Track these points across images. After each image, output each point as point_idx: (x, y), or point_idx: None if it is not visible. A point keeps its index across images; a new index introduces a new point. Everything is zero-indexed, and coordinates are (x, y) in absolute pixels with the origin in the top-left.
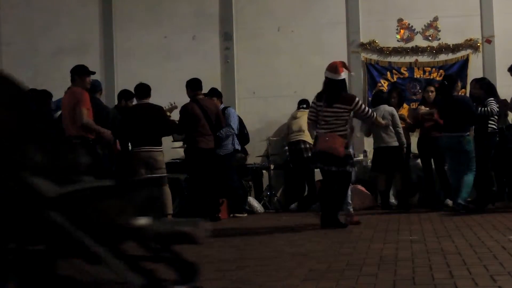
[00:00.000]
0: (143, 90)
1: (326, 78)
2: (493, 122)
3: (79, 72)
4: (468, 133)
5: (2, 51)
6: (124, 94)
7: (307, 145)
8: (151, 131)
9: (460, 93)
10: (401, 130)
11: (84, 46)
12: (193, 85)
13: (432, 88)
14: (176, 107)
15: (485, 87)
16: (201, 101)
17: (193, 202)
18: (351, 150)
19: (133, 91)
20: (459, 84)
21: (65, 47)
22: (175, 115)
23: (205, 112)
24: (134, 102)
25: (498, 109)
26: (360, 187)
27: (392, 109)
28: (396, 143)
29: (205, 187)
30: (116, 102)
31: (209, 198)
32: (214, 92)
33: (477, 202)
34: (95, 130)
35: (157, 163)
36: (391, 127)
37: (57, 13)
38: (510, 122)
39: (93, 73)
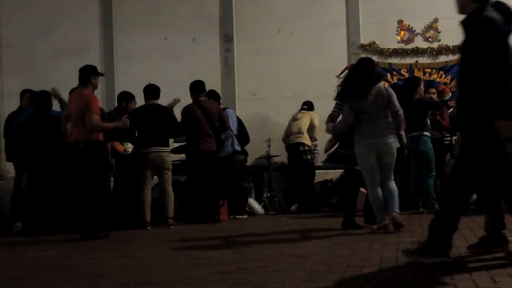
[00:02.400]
0: (152, 90)
1: None
2: None
3: (95, 72)
4: (424, 132)
5: (2, 53)
6: (124, 96)
7: (306, 148)
8: (159, 131)
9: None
10: (402, 132)
11: (84, 48)
12: (195, 87)
13: (433, 90)
14: (179, 101)
15: None
16: (202, 103)
17: (193, 204)
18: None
19: (132, 93)
20: (422, 87)
21: (65, 49)
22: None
23: (207, 114)
24: (134, 103)
25: None
26: (360, 188)
27: None
28: (397, 145)
29: (206, 189)
30: (116, 104)
31: (209, 199)
32: (212, 95)
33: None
34: (106, 129)
35: (165, 164)
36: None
37: (57, 15)
38: None
39: (102, 74)
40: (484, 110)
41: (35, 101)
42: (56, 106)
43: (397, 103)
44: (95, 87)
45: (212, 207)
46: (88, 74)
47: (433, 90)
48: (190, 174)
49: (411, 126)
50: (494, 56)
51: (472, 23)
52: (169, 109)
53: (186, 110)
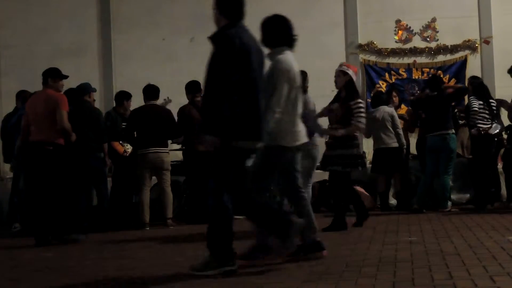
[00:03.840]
0: (152, 91)
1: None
2: (480, 121)
3: (53, 75)
4: (452, 129)
5: (1, 54)
6: (125, 95)
7: None
8: (158, 132)
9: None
10: (401, 131)
11: (82, 48)
12: (191, 88)
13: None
14: (170, 101)
15: (475, 84)
16: (198, 103)
17: (192, 204)
18: None
19: (130, 92)
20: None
21: (63, 50)
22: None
23: None
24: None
25: (479, 107)
26: (359, 188)
27: (392, 110)
28: (396, 144)
29: (204, 189)
30: (114, 104)
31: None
32: None
33: (476, 203)
34: (70, 134)
35: (164, 165)
36: (390, 128)
37: (55, 16)
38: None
39: (66, 77)
40: (212, 122)
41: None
42: None
43: None
44: (56, 90)
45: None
46: (45, 77)
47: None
48: (188, 174)
49: (437, 123)
50: (225, 72)
51: (216, 38)
52: (168, 110)
53: (182, 111)
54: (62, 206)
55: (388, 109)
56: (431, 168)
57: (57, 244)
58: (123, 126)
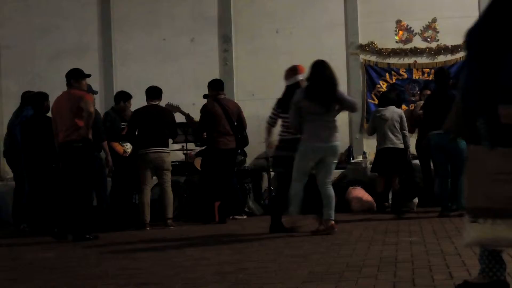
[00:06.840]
0: (155, 92)
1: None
2: None
3: (75, 76)
4: None
5: (1, 54)
6: (122, 95)
7: None
8: (160, 132)
9: None
10: (407, 134)
11: (83, 48)
12: (215, 85)
13: (429, 92)
14: (177, 106)
15: None
16: (222, 101)
17: (193, 204)
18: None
19: (129, 93)
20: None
21: (64, 50)
22: (195, 115)
23: (226, 111)
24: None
25: None
26: (359, 189)
27: (401, 111)
28: (402, 145)
29: (218, 188)
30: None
31: (225, 199)
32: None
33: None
34: (89, 124)
35: (164, 164)
36: (398, 129)
37: (56, 16)
38: None
39: (89, 75)
40: None
41: (32, 102)
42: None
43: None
44: (80, 89)
45: (224, 207)
46: (68, 78)
47: (428, 92)
48: (207, 172)
49: (443, 121)
50: None
51: None
52: (169, 111)
53: (205, 107)
54: (84, 204)
55: (397, 110)
56: (446, 169)
57: (58, 243)
58: (122, 126)
